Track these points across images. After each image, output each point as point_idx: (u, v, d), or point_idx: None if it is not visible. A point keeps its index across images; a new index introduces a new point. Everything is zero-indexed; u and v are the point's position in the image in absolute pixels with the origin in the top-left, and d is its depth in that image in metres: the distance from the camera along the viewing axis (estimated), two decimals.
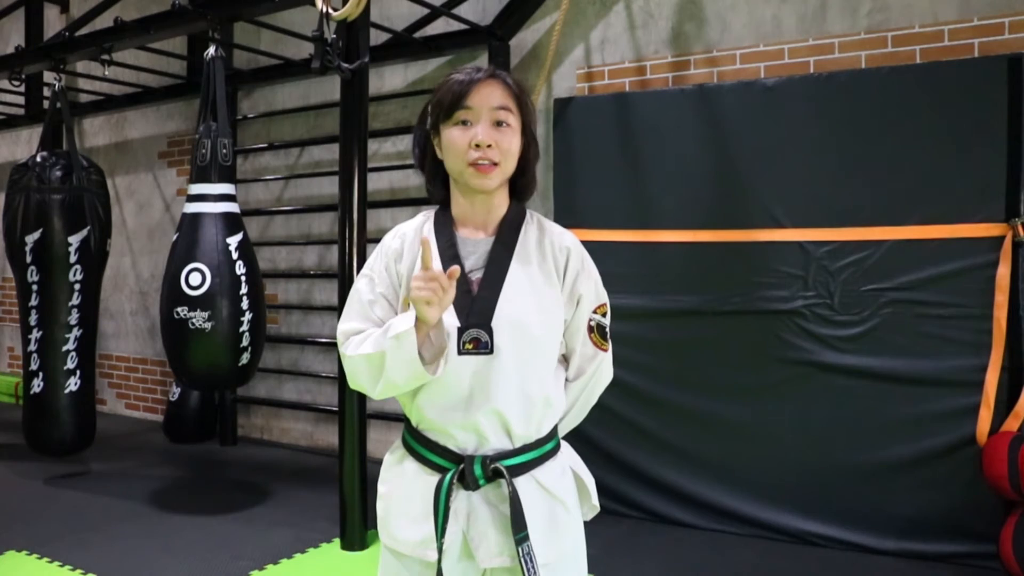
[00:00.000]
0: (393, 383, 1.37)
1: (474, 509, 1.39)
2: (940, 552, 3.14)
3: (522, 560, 1.33)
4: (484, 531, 1.39)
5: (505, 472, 1.36)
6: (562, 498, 1.44)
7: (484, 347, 1.36)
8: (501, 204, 1.47)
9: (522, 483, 1.39)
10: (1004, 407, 3.08)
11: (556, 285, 1.45)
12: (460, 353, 1.36)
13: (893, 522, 3.23)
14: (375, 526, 1.55)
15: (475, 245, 1.44)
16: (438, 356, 1.35)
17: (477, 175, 1.39)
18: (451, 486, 1.36)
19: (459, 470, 1.37)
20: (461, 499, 1.39)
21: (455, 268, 1.29)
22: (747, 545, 3.36)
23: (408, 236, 1.48)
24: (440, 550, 1.35)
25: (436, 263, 1.39)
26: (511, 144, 1.41)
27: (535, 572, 1.34)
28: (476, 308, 1.38)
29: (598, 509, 1.55)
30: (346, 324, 1.47)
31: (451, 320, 1.37)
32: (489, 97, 1.39)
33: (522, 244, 1.45)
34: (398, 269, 1.46)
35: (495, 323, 1.37)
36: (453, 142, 1.40)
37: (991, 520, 3.06)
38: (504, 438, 1.40)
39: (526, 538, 1.34)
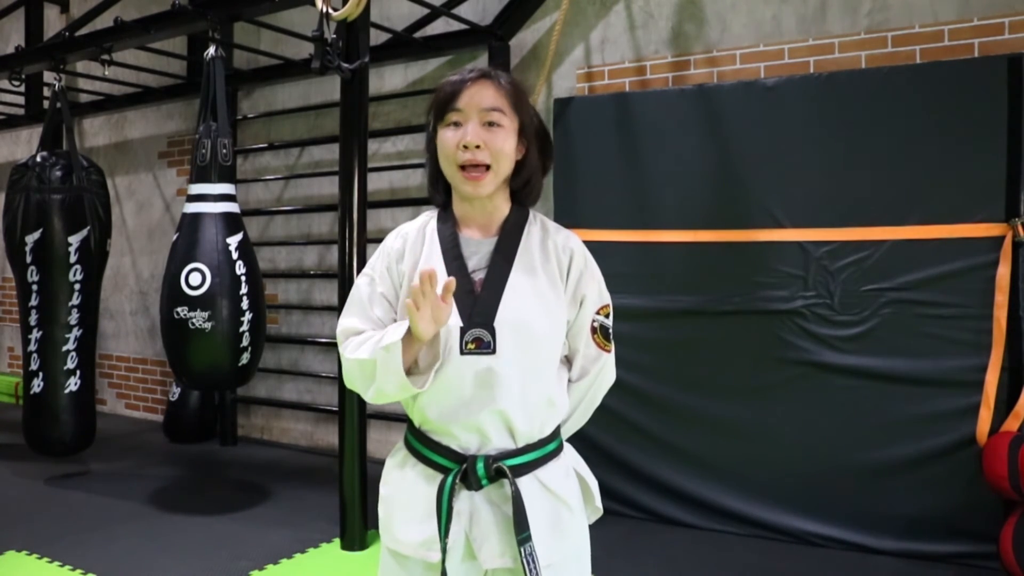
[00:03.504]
0: (383, 392, 1.37)
1: (476, 509, 1.38)
2: (940, 552, 3.14)
3: (524, 561, 1.32)
4: (486, 532, 1.38)
5: (508, 472, 1.36)
6: (565, 499, 1.44)
7: (486, 347, 1.36)
8: (502, 206, 1.46)
9: (525, 483, 1.38)
10: (1004, 407, 3.08)
11: (559, 286, 1.44)
12: (462, 353, 1.36)
13: (893, 522, 3.23)
14: (375, 526, 1.55)
15: (478, 246, 1.44)
16: (432, 366, 1.35)
17: (467, 182, 1.39)
18: (454, 486, 1.36)
19: (462, 470, 1.37)
20: (464, 499, 1.38)
21: (451, 281, 1.29)
22: (747, 545, 3.36)
23: (411, 236, 1.47)
24: (444, 551, 1.35)
25: (440, 267, 1.39)
26: (503, 145, 1.39)
27: (537, 573, 1.33)
28: (478, 308, 1.38)
29: (601, 511, 1.54)
30: (346, 321, 1.47)
31: (454, 320, 1.36)
32: (478, 97, 1.38)
33: (525, 245, 1.44)
34: (400, 269, 1.46)
35: (497, 323, 1.37)
36: (444, 143, 1.40)
37: (991, 520, 3.06)
38: (507, 438, 1.39)
39: (528, 538, 1.34)
